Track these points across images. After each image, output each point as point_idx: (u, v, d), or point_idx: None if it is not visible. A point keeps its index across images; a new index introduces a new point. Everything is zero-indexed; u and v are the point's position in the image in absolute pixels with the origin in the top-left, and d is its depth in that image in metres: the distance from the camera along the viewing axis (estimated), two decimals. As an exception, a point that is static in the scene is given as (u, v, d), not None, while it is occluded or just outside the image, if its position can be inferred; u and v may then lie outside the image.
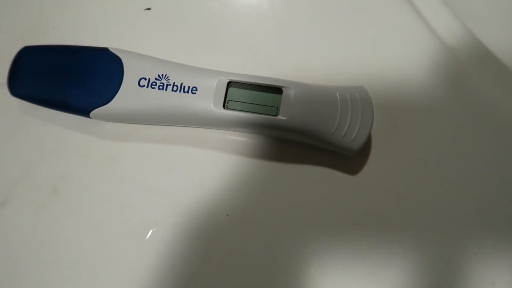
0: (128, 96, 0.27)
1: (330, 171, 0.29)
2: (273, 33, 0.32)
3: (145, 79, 0.27)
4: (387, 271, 0.27)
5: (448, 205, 0.28)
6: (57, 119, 0.30)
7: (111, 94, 0.27)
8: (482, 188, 0.28)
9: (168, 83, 0.27)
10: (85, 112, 0.28)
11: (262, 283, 0.27)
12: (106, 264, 0.27)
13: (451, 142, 0.29)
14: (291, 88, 0.26)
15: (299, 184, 0.29)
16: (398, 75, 0.31)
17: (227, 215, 0.28)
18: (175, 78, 0.27)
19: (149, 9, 0.33)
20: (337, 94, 0.27)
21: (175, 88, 0.27)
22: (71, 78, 0.28)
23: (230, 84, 0.27)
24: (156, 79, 0.27)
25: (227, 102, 0.27)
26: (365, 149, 0.29)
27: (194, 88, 0.27)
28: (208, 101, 0.27)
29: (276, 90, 0.27)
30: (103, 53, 0.28)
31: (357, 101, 0.26)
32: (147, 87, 0.27)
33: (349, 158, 0.29)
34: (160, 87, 0.27)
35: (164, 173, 0.29)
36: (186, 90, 0.27)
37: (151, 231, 0.28)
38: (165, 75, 0.27)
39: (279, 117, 0.26)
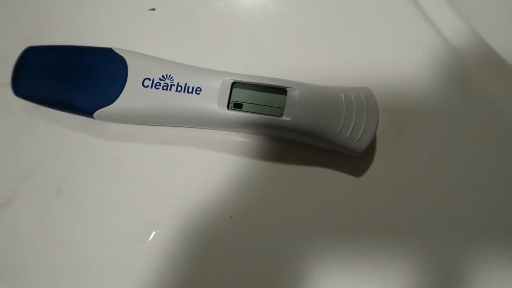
0: (132, 96, 0.27)
1: (335, 172, 0.29)
2: (278, 33, 0.32)
3: (149, 79, 0.27)
4: (392, 274, 0.27)
5: (454, 207, 0.28)
6: (61, 120, 0.31)
7: (115, 95, 0.27)
8: (488, 191, 0.28)
9: (172, 84, 0.27)
10: (89, 113, 0.28)
11: (266, 285, 0.27)
12: (109, 265, 0.28)
13: (457, 144, 0.29)
14: (295, 88, 0.26)
15: (303, 186, 0.29)
16: (403, 76, 0.31)
17: (231, 217, 0.28)
18: (179, 78, 0.27)
19: (153, 9, 0.33)
20: (342, 95, 0.27)
21: (179, 88, 0.27)
22: (75, 79, 0.28)
23: (234, 84, 0.27)
24: (160, 79, 0.27)
25: (231, 103, 0.27)
26: (370, 150, 0.29)
27: (198, 89, 0.27)
28: (212, 102, 0.27)
29: (280, 90, 0.27)
30: (107, 53, 0.28)
31: (362, 102, 0.26)
32: (151, 87, 0.27)
33: (354, 159, 0.29)
34: (164, 88, 0.27)
35: (168, 174, 0.29)
36: (190, 90, 0.27)
37: (154, 232, 0.28)
38: (169, 76, 0.27)
39: (284, 118, 0.26)
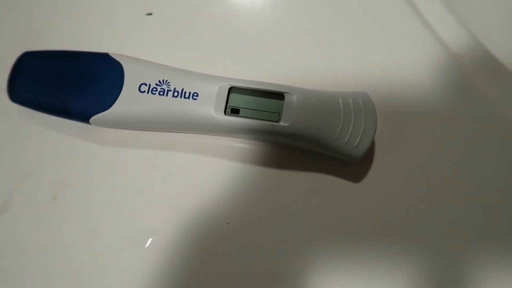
0: (128, 102, 0.27)
1: (333, 178, 0.29)
2: (275, 38, 0.32)
3: (146, 84, 0.27)
4: (390, 280, 0.27)
5: (453, 213, 0.28)
6: (57, 125, 0.31)
7: (111, 100, 0.27)
8: (488, 196, 0.28)
9: (169, 89, 0.27)
10: (85, 118, 0.28)
11: (264, 292, 0.27)
12: (105, 272, 0.28)
13: (456, 148, 0.29)
14: (293, 94, 0.26)
15: (301, 191, 0.29)
16: (401, 81, 0.31)
17: (228, 223, 0.28)
18: (176, 83, 0.27)
19: (150, 14, 0.33)
20: (340, 100, 0.27)
21: (176, 93, 0.27)
22: (71, 84, 0.28)
23: (231, 89, 0.27)
24: (156, 84, 0.27)
25: (229, 108, 0.27)
26: (369, 155, 0.29)
27: (195, 94, 0.27)
28: (209, 107, 0.27)
29: (278, 96, 0.27)
30: (104, 58, 0.28)
31: (360, 107, 0.27)
32: (148, 92, 0.27)
33: (352, 165, 0.29)
34: (161, 93, 0.27)
35: (165, 180, 0.29)
36: (187, 96, 0.27)
37: (150, 239, 0.28)
38: (166, 81, 0.27)
39: (281, 123, 0.26)
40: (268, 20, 0.33)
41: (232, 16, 0.33)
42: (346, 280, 0.27)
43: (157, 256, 0.27)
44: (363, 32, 0.32)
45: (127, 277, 0.27)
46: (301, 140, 0.27)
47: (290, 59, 0.32)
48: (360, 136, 0.26)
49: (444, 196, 0.28)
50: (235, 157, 0.29)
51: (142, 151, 0.30)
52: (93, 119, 0.28)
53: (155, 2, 0.34)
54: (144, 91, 0.27)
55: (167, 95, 0.27)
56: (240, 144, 0.30)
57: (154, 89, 0.27)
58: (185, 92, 0.27)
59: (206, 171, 0.29)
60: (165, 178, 0.29)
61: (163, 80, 0.28)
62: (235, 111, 0.27)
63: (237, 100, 0.27)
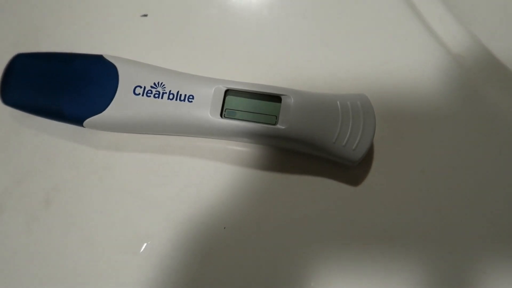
0: (123, 104, 0.27)
1: (331, 181, 0.29)
2: (272, 40, 0.33)
3: (141, 87, 0.27)
4: (390, 285, 0.27)
5: (453, 217, 0.28)
6: (50, 128, 0.31)
7: (106, 103, 0.27)
8: (489, 200, 0.28)
9: (164, 91, 0.27)
10: (79, 121, 0.28)
11: (261, 298, 0.27)
12: (99, 278, 0.27)
13: (456, 151, 0.29)
14: (290, 96, 0.27)
15: (299, 195, 0.28)
16: (401, 83, 0.31)
17: (224, 228, 0.28)
18: (171, 86, 0.27)
19: (145, 15, 0.34)
20: (338, 102, 0.27)
21: (171, 96, 0.27)
22: (65, 86, 0.28)
23: (227, 92, 0.27)
24: (152, 87, 0.27)
25: (225, 111, 0.27)
26: (367, 159, 0.29)
27: (191, 97, 0.27)
28: (205, 110, 0.27)
29: (275, 98, 0.27)
30: (98, 60, 0.28)
31: (358, 109, 0.27)
32: (143, 95, 0.27)
33: (350, 169, 0.29)
34: (156, 95, 0.27)
35: (160, 184, 0.29)
36: (182, 98, 0.27)
37: (145, 244, 0.28)
38: (161, 83, 0.27)
39: (278, 126, 0.26)
40: (264, 22, 0.33)
41: (228, 18, 0.33)
42: (344, 285, 0.27)
43: (152, 261, 0.27)
44: (362, 33, 0.32)
45: (121, 283, 0.27)
46: (298, 143, 0.27)
47: (287, 61, 0.32)
48: (359, 139, 0.26)
49: (444, 200, 0.28)
50: (232, 160, 0.29)
51: (137, 155, 0.30)
52: (87, 122, 0.27)
53: (150, 4, 0.34)
54: (139, 94, 0.27)
55: (162, 97, 0.27)
56: (236, 147, 0.30)
57: (149, 91, 0.27)
58: (180, 95, 0.27)
59: (202, 175, 0.29)
60: (160, 181, 0.29)
61: (158, 83, 0.28)
62: (231, 114, 0.27)
63: (234, 103, 0.27)
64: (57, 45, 0.33)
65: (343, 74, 0.31)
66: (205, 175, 0.29)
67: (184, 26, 0.33)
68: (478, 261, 0.27)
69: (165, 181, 0.29)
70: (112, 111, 0.27)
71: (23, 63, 0.29)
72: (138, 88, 0.27)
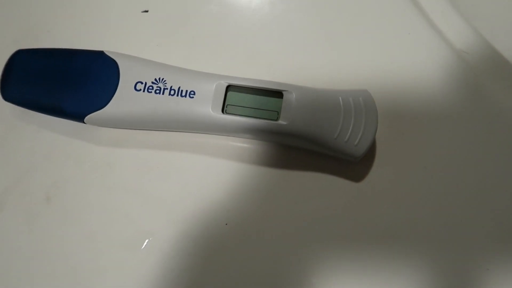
0: (124, 100, 0.27)
1: (333, 177, 0.29)
2: (274, 35, 0.33)
3: (142, 83, 0.28)
4: (392, 282, 0.27)
5: (456, 213, 0.28)
6: (50, 125, 0.31)
7: (107, 99, 0.27)
8: (493, 197, 0.28)
9: (165, 87, 0.27)
10: (80, 117, 0.28)
11: (263, 295, 0.27)
12: (100, 275, 0.28)
13: (459, 148, 0.29)
14: (292, 92, 0.27)
15: (300, 191, 0.29)
16: (403, 79, 0.31)
17: (226, 224, 0.28)
18: (173, 82, 0.28)
19: (146, 11, 0.34)
20: (340, 98, 0.27)
21: (172, 92, 0.27)
22: (66, 82, 0.28)
23: (229, 88, 0.27)
24: (153, 83, 0.28)
25: (226, 107, 0.27)
26: (370, 155, 0.29)
27: (192, 92, 0.27)
28: (207, 106, 0.27)
29: (276, 94, 0.27)
30: (99, 56, 0.28)
31: (360, 105, 0.27)
32: (144, 91, 0.27)
33: (352, 165, 0.29)
34: (157, 91, 0.27)
35: (161, 180, 0.29)
36: (183, 94, 0.27)
37: (147, 240, 0.28)
38: (162, 79, 0.28)
39: (280, 121, 0.26)
40: (266, 17, 0.33)
41: (230, 13, 0.33)
42: (346, 282, 0.27)
43: (153, 257, 0.28)
44: (364, 29, 0.32)
45: (123, 279, 0.27)
46: (300, 139, 0.27)
47: (289, 57, 0.32)
48: (361, 134, 0.26)
49: (447, 196, 0.28)
50: (233, 156, 0.30)
51: (138, 151, 0.30)
52: (88, 118, 0.28)
53: (151, -1, 0.34)
54: (140, 90, 0.28)
55: (163, 93, 0.27)
56: (238, 143, 0.30)
57: (150, 87, 0.28)
58: (181, 91, 0.27)
59: (203, 171, 0.29)
60: (162, 178, 0.29)
61: (159, 78, 0.28)
62: (233, 110, 0.27)
63: (235, 98, 0.27)
64: (57, 41, 0.33)
65: (345, 70, 0.31)
66: (207, 171, 0.29)
67: (185, 22, 0.33)
68: (482, 258, 0.27)
69: (166, 178, 0.29)
70: (113, 107, 0.27)
71: (24, 59, 0.29)
72: (139, 84, 0.28)
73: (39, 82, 0.28)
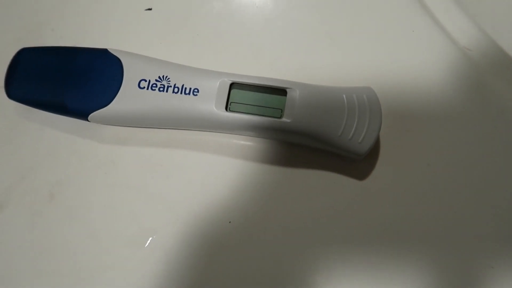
0: (127, 98, 0.28)
1: (337, 175, 0.29)
2: (278, 33, 0.33)
3: (145, 80, 0.28)
4: (396, 281, 0.27)
5: (461, 212, 0.28)
6: (54, 123, 0.31)
7: (110, 96, 0.28)
8: (497, 195, 0.28)
9: (169, 85, 0.28)
10: (84, 115, 0.28)
11: (266, 292, 0.27)
12: (104, 273, 0.28)
13: (464, 146, 0.29)
14: (296, 89, 0.27)
15: (304, 189, 0.29)
16: (407, 76, 0.31)
17: (230, 222, 0.28)
18: (176, 79, 0.28)
19: (150, 9, 0.34)
20: (344, 95, 0.27)
21: (176, 89, 0.28)
22: (70, 80, 0.28)
23: (232, 85, 0.28)
24: (156, 80, 0.28)
25: (230, 104, 0.28)
26: (374, 153, 0.29)
27: (196, 90, 0.28)
28: (210, 103, 0.27)
29: (280, 91, 0.27)
30: (103, 54, 0.29)
31: (364, 103, 0.27)
32: (147, 88, 0.28)
33: (356, 162, 0.29)
34: (161, 89, 0.28)
35: (165, 178, 0.30)
36: (187, 91, 0.28)
37: (150, 238, 0.28)
38: (166, 77, 0.28)
39: (284, 119, 0.27)
40: (270, 14, 0.33)
41: (233, 10, 0.34)
42: (349, 280, 0.27)
43: (157, 255, 0.28)
44: (368, 26, 0.33)
45: (126, 277, 0.28)
46: (304, 136, 0.27)
47: (293, 54, 0.32)
48: (365, 132, 0.26)
49: (451, 194, 0.28)
50: (236, 154, 0.30)
51: (141, 149, 0.30)
52: (91, 116, 0.28)
53: (154, -3, 0.34)
54: (144, 87, 0.28)
55: (167, 91, 0.28)
56: (241, 141, 0.30)
57: (154, 85, 0.28)
58: (185, 88, 0.28)
59: (207, 169, 0.30)
60: (165, 175, 0.30)
61: (163, 76, 0.28)
62: (236, 107, 0.27)
63: (239, 96, 0.28)
64: (61, 39, 0.33)
65: (349, 68, 0.31)
66: (210, 169, 0.29)
67: (188, 19, 0.33)
68: (486, 256, 0.27)
69: (170, 175, 0.30)
70: (117, 105, 0.28)
71: (28, 58, 0.29)
72: (143, 82, 0.28)
73: (43, 80, 0.28)
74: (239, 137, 0.30)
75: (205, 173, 0.29)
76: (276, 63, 0.32)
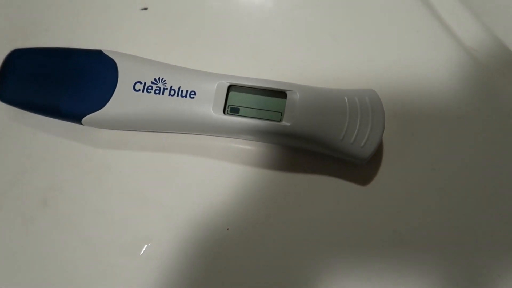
0: (122, 101, 0.28)
1: (339, 180, 0.29)
2: (277, 33, 0.33)
3: (141, 83, 0.28)
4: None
5: (466, 217, 0.28)
6: (47, 126, 0.31)
7: (105, 99, 0.28)
8: (504, 200, 0.28)
9: (165, 87, 0.28)
10: (77, 118, 0.28)
11: (266, 302, 0.27)
12: (98, 281, 0.28)
13: (469, 149, 0.29)
14: (296, 91, 0.27)
15: (305, 195, 0.29)
16: (412, 78, 0.31)
17: (228, 229, 0.28)
18: (173, 81, 0.28)
19: (145, 9, 0.34)
20: (346, 98, 0.27)
21: (172, 92, 0.27)
22: (63, 82, 0.28)
23: (231, 87, 0.27)
24: (152, 83, 0.28)
25: (228, 107, 0.27)
26: (377, 157, 0.29)
27: (193, 92, 0.27)
28: (208, 106, 0.27)
29: (280, 94, 0.27)
30: (97, 55, 0.29)
31: (366, 105, 0.27)
32: (143, 91, 0.28)
33: (359, 167, 0.29)
34: (157, 92, 0.27)
35: (161, 184, 0.29)
36: (184, 94, 0.27)
37: (146, 245, 0.28)
38: (162, 79, 0.28)
39: (283, 122, 0.26)
40: (269, 14, 0.33)
41: (231, 10, 0.34)
42: (352, 287, 0.27)
43: (152, 263, 0.28)
44: (371, 26, 0.32)
45: (121, 286, 0.27)
46: (304, 140, 0.27)
47: (293, 55, 0.32)
48: (367, 136, 0.26)
49: (456, 199, 0.28)
50: (235, 158, 0.30)
51: (137, 153, 0.30)
52: (85, 119, 0.28)
53: (150, -3, 0.34)
54: (139, 90, 0.28)
55: (163, 93, 0.27)
56: (240, 145, 0.30)
57: (150, 87, 0.28)
58: (182, 91, 0.27)
59: (204, 174, 0.29)
60: (161, 181, 0.29)
61: (159, 78, 0.28)
62: (234, 110, 0.27)
63: (237, 99, 0.27)
64: (54, 40, 0.33)
65: (351, 69, 0.31)
66: (208, 174, 0.29)
67: (185, 20, 0.33)
68: (493, 263, 0.27)
69: (166, 181, 0.29)
70: (112, 108, 0.27)
71: (20, 59, 0.29)
72: (138, 84, 0.28)
73: (36, 82, 0.28)
74: (237, 141, 0.30)
75: (202, 179, 0.29)
76: (276, 65, 0.32)
